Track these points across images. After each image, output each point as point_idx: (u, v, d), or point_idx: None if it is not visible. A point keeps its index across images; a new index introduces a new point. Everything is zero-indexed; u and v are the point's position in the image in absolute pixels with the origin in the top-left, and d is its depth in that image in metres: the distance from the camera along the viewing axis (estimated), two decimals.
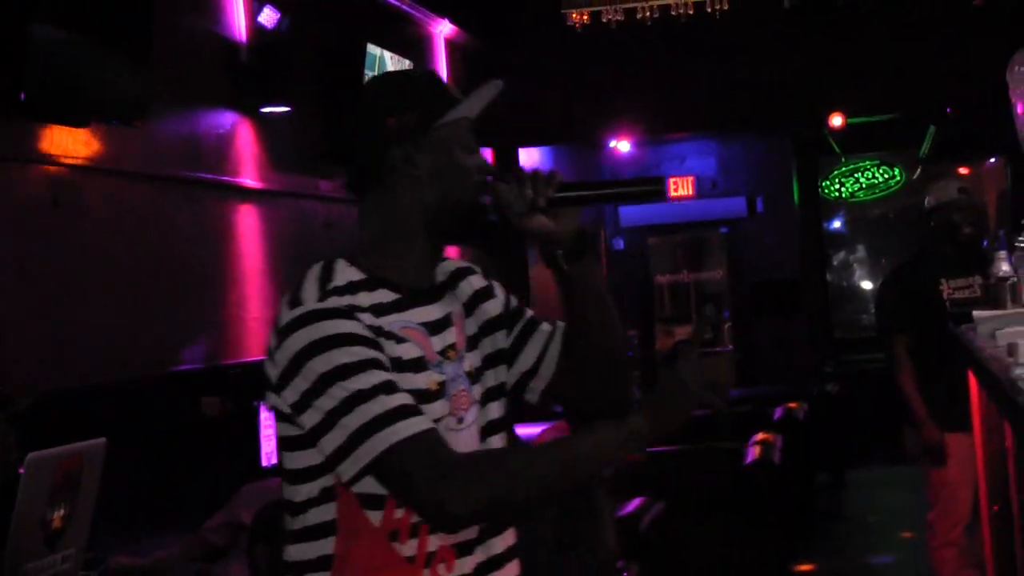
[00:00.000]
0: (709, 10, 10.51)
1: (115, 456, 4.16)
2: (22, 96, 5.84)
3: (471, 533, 2.74)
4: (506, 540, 2.84)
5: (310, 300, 2.63)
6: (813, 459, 11.90)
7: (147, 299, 7.04)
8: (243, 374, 7.89)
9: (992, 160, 16.65)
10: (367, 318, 2.65)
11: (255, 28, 8.35)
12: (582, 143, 15.80)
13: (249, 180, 8.30)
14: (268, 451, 7.88)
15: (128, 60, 6.65)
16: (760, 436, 9.29)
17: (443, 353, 2.78)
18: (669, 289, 17.87)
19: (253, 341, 8.18)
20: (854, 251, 17.92)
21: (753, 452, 8.91)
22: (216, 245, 7.91)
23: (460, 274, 2.96)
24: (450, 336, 2.81)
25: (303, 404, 2.60)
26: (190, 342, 7.48)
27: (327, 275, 2.69)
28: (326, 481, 2.66)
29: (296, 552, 2.73)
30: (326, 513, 2.69)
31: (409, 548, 2.68)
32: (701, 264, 17.78)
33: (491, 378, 2.89)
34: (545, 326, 3.00)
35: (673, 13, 10.58)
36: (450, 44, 12.49)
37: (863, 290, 17.80)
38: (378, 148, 2.75)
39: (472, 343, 2.87)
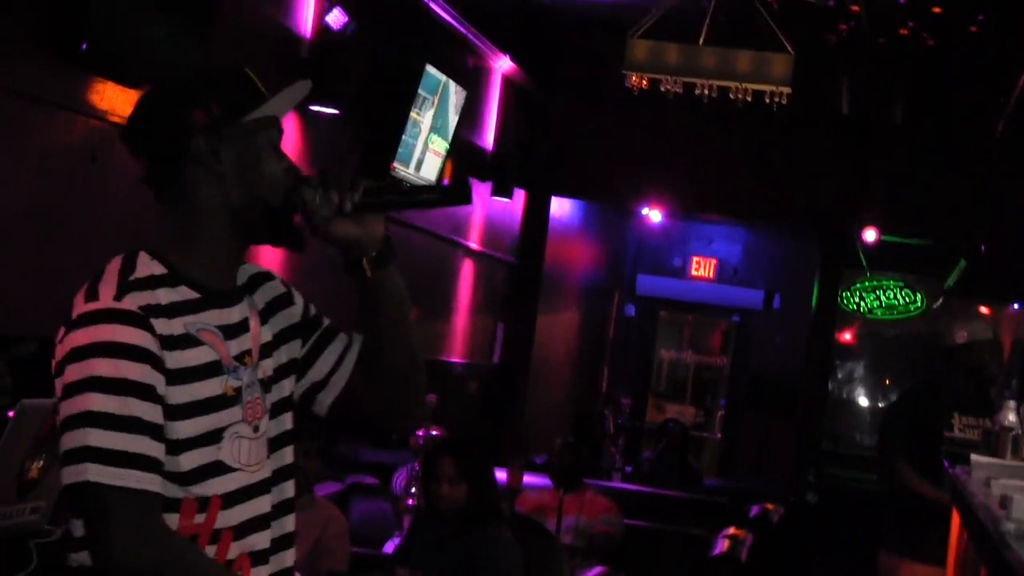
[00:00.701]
0: (768, 101, 10.48)
1: None
2: (83, 46, 5.85)
3: (265, 543, 2.73)
4: (294, 553, 2.84)
5: (106, 296, 2.57)
6: (779, 565, 11.83)
7: None
8: None
9: (1015, 306, 16.63)
10: (160, 324, 2.59)
11: (320, 26, 8.37)
12: (614, 204, 15.80)
13: None
14: None
15: (188, 30, 6.67)
16: (731, 530, 9.23)
17: (239, 358, 2.73)
18: (670, 365, 17.88)
19: None
20: (860, 367, 17.88)
21: (721, 544, 8.85)
22: None
23: (260, 278, 2.91)
24: (246, 341, 2.76)
25: (61, 399, 2.55)
26: None
27: (129, 266, 2.63)
28: None
29: (81, 558, 2.63)
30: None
31: (208, 553, 2.63)
32: (706, 348, 17.78)
33: (284, 388, 2.85)
34: (342, 336, 2.95)
35: (731, 96, 10.55)
36: (507, 80, 12.51)
37: (860, 407, 17.77)
38: (182, 139, 2.66)
39: (266, 350, 2.82)
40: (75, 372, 2.52)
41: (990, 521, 4.01)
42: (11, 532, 3.95)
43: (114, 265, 2.64)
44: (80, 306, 2.58)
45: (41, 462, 3.93)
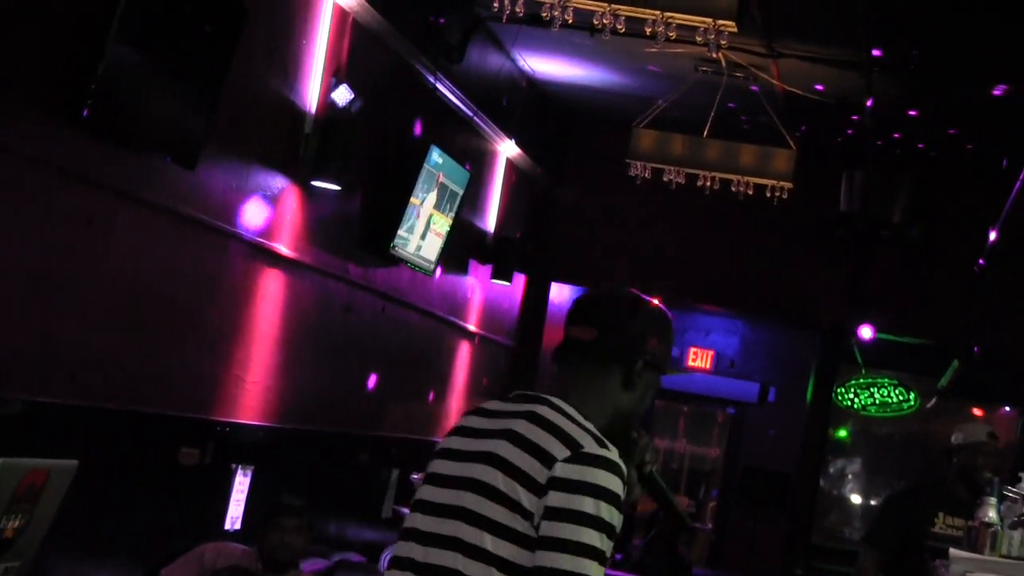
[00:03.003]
0: (768, 195, 10.58)
1: (83, 478, 4.16)
2: (85, 112, 5.89)
3: None
4: None
5: (610, 448, 3.00)
6: None
7: (153, 336, 7.05)
8: (230, 433, 7.89)
9: (1007, 409, 16.66)
10: None
11: (326, 103, 8.44)
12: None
13: (283, 247, 8.34)
14: (234, 515, 7.88)
15: (195, 100, 6.74)
16: None
17: None
18: (664, 454, 17.86)
19: (247, 404, 8.17)
20: (853, 463, 17.85)
21: None
22: (234, 301, 7.93)
23: None
24: None
25: (554, 514, 2.90)
26: (184, 388, 7.48)
27: (583, 418, 3.09)
28: None
29: None
30: None
31: None
32: (701, 438, 17.79)
33: None
34: None
35: (733, 189, 10.65)
36: (511, 164, 12.60)
37: (851, 503, 17.72)
38: (636, 352, 3.18)
39: None
40: (598, 509, 2.92)
41: None
42: None
43: (572, 411, 3.09)
44: (592, 444, 2.99)
45: (17, 522, 3.93)
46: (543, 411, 3.05)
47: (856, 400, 16.79)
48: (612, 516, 2.91)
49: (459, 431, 3.16)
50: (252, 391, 8.24)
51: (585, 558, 2.88)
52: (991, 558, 5.35)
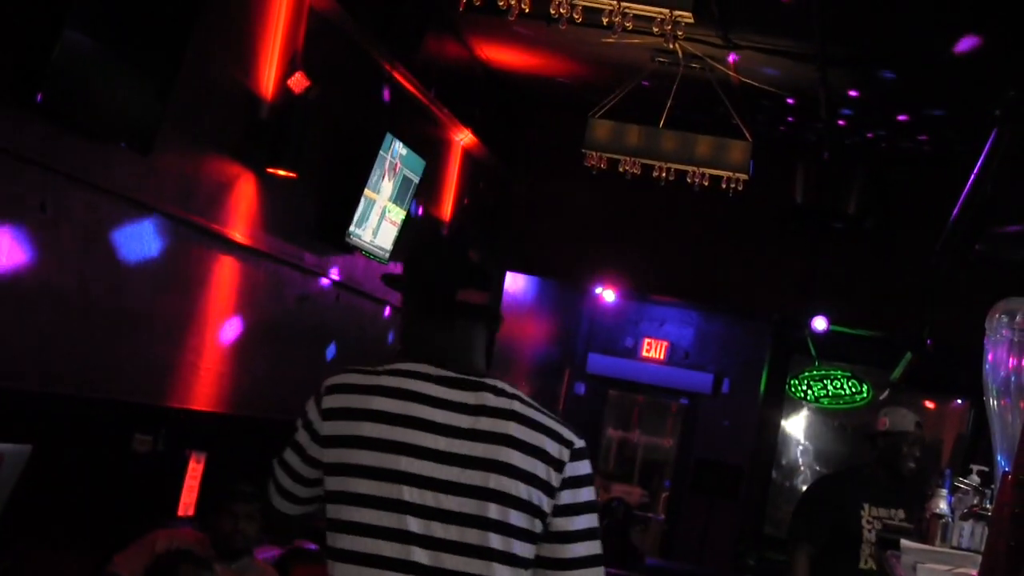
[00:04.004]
0: (724, 186, 10.59)
1: (36, 465, 4.15)
2: (39, 97, 5.86)
3: None
4: None
5: (576, 432, 3.33)
6: None
7: (106, 322, 7.02)
8: (184, 420, 7.87)
9: (959, 401, 16.76)
10: None
11: (282, 89, 8.41)
12: (568, 282, 15.87)
13: (237, 234, 8.32)
14: (187, 502, 7.85)
15: (149, 86, 6.72)
16: None
17: None
18: (618, 444, 17.91)
19: (200, 391, 8.15)
20: (805, 454, 17.95)
21: None
22: (187, 288, 7.91)
23: None
24: None
25: (571, 510, 3.25)
26: (137, 375, 7.45)
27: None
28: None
29: None
30: None
31: None
32: (654, 428, 17.83)
33: None
34: None
35: (688, 180, 10.66)
36: (466, 152, 12.59)
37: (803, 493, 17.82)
38: (499, 313, 3.51)
39: None
40: (594, 495, 3.33)
41: None
42: None
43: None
44: (577, 440, 3.31)
45: None
46: (520, 408, 3.25)
47: (809, 392, 16.89)
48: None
49: (414, 397, 3.23)
50: (206, 378, 8.22)
51: (598, 539, 3.29)
52: (942, 549, 5.39)
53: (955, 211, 11.08)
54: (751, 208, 12.54)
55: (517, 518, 3.15)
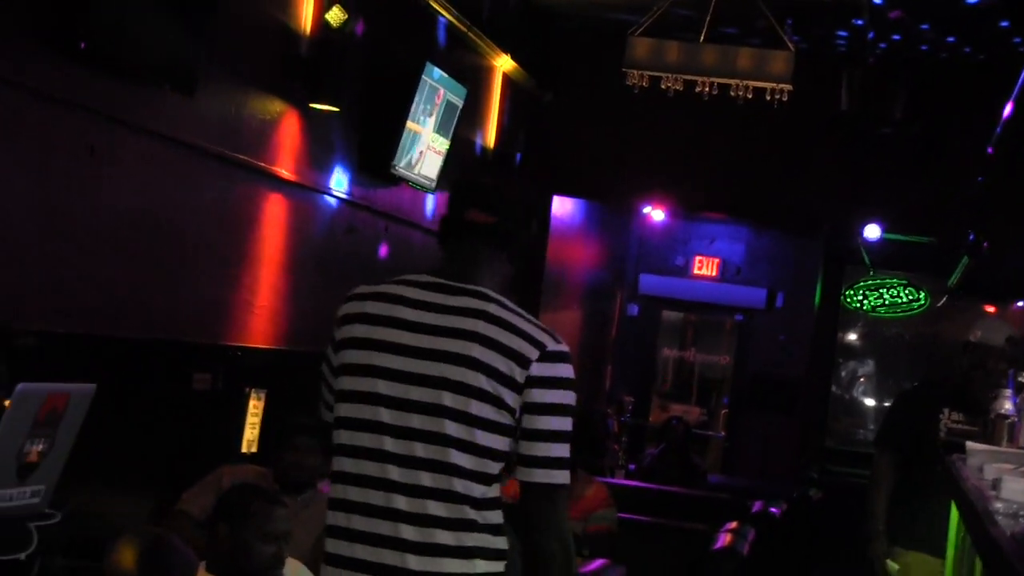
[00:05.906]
0: (768, 98, 10.49)
1: (99, 407, 4.17)
2: (82, 44, 5.89)
3: None
4: None
5: (558, 338, 3.44)
6: (781, 559, 11.84)
7: (161, 264, 7.06)
8: (241, 357, 7.91)
9: (1020, 304, 16.64)
10: None
11: (320, 23, 8.38)
12: (616, 203, 15.81)
13: (284, 170, 8.32)
14: (250, 439, 7.90)
15: (190, 27, 6.71)
16: (733, 525, 9.25)
17: None
18: (674, 364, 17.89)
19: (256, 328, 8.18)
20: (863, 364, 17.88)
21: (723, 539, 8.86)
22: (238, 226, 7.93)
23: None
24: None
25: (537, 409, 3.38)
26: (194, 315, 7.49)
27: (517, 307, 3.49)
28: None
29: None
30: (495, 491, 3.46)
31: None
32: (709, 346, 17.80)
33: None
34: None
35: (732, 94, 10.56)
36: (508, 79, 12.53)
37: (863, 405, 17.78)
38: (523, 236, 3.66)
39: None
40: (569, 398, 3.44)
41: (980, 502, 4.05)
42: (11, 515, 3.98)
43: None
44: (555, 343, 3.42)
45: (41, 446, 3.97)
46: (494, 309, 3.43)
47: (865, 302, 16.80)
48: (575, 399, 3.45)
49: (397, 300, 3.53)
50: (260, 315, 8.24)
51: (566, 442, 3.42)
52: (1008, 449, 5.36)
53: (1005, 112, 10.94)
54: (797, 119, 12.41)
55: (479, 408, 3.36)
